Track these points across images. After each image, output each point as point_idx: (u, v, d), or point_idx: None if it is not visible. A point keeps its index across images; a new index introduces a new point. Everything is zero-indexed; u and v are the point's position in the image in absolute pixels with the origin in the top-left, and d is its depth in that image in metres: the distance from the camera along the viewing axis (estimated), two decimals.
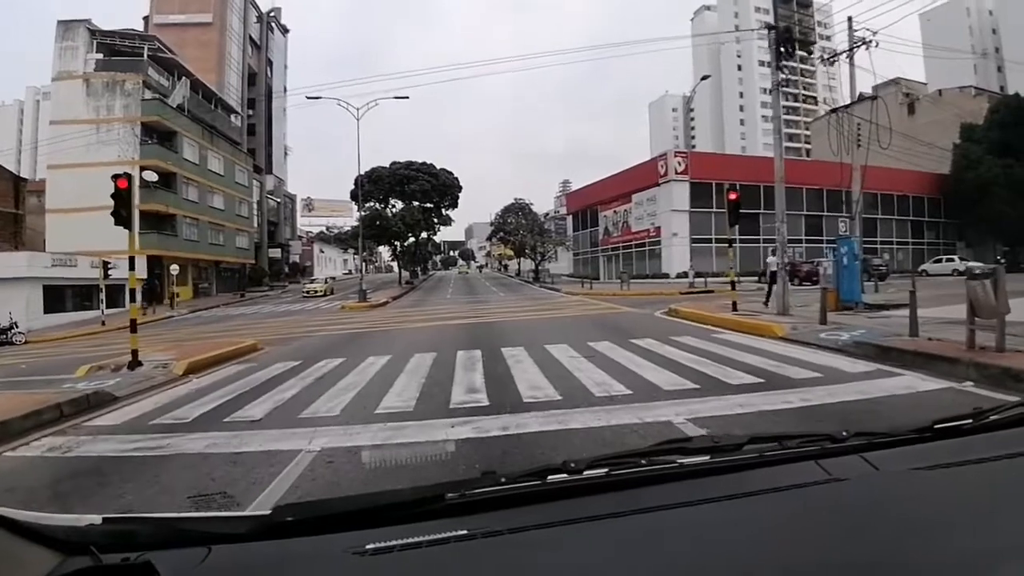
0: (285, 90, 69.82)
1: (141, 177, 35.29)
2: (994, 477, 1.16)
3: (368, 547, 0.95)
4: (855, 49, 16.99)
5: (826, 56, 19.22)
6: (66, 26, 41.75)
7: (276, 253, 64.75)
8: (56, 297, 30.04)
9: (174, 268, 34.51)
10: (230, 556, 0.96)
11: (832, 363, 8.03)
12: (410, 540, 0.96)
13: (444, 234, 74.61)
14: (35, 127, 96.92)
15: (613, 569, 0.92)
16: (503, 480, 1.15)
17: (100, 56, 42.03)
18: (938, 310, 10.88)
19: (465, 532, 0.99)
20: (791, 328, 11.20)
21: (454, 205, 59.54)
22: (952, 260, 38.86)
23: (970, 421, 1.39)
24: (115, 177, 9.97)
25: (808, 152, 73.10)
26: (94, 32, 42.47)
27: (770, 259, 19.51)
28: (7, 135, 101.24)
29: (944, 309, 10.99)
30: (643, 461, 1.22)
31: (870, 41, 16.80)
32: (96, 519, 1.06)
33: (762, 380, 7.10)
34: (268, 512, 1.08)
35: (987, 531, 0.95)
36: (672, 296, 24.58)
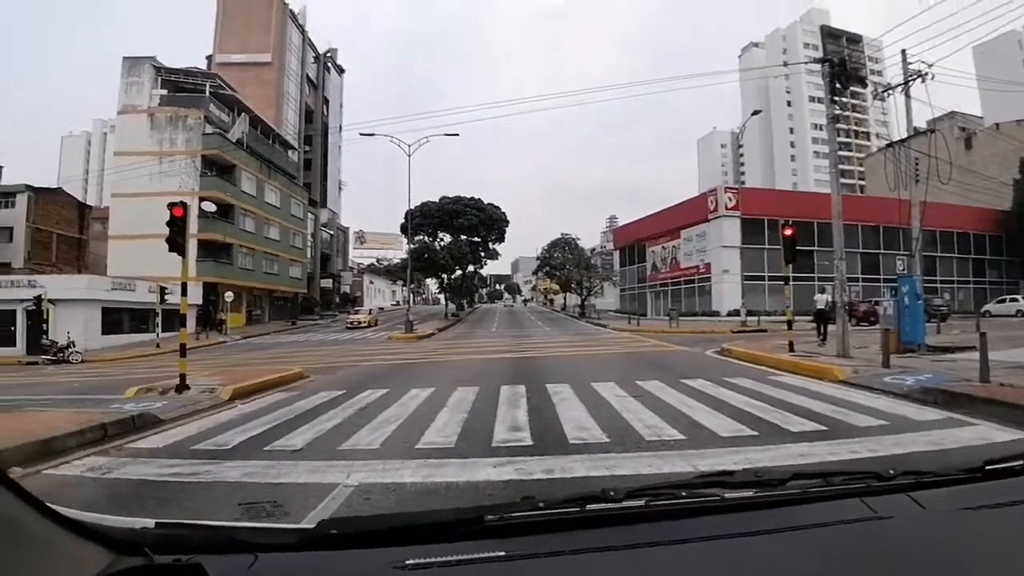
0: (340, 127, 72.28)
1: (200, 207, 36.77)
2: None
3: (408, 562, 0.96)
4: (910, 82, 16.48)
5: (880, 89, 18.71)
6: (132, 62, 44.27)
7: (328, 283, 66.25)
8: (114, 319, 31.23)
9: (228, 295, 35.49)
10: (276, 564, 1.00)
11: (898, 410, 7.52)
12: (449, 558, 0.98)
13: (490, 268, 74.95)
14: (101, 157, 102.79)
15: None
16: (542, 505, 1.15)
17: (164, 92, 44.34)
18: (1007, 353, 10.17)
19: (503, 554, 1.00)
20: (852, 371, 10.62)
21: (501, 239, 59.97)
22: (1016, 300, 36.98)
23: (1022, 462, 1.34)
24: (171, 205, 10.27)
25: (862, 188, 71.23)
26: (159, 69, 44.95)
27: (817, 296, 18.86)
28: (75, 164, 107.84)
29: (1015, 352, 10.28)
30: (684, 493, 1.21)
31: (926, 73, 16.31)
32: (150, 523, 1.13)
33: (824, 428, 6.66)
34: (314, 526, 1.12)
35: None
36: (723, 335, 23.91)
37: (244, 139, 46.67)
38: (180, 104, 42.96)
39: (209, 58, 60.72)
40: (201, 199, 38.25)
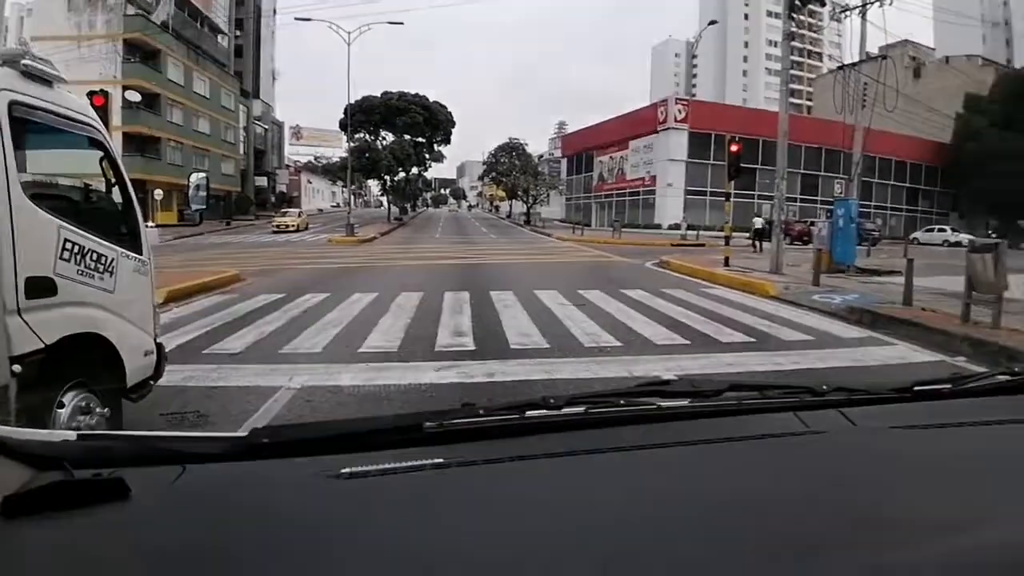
0: (274, 11, 67.11)
1: (124, 97, 34.01)
2: (968, 442, 1.17)
3: (343, 471, 0.94)
4: (868, 5, 16.40)
5: (837, 11, 18.57)
6: None
7: (263, 182, 63.47)
8: None
9: (158, 193, 33.64)
10: (204, 475, 0.96)
11: (825, 327, 7.98)
12: (386, 466, 0.96)
13: (435, 171, 73.17)
14: (18, 44, 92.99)
15: (585, 501, 0.91)
16: (481, 412, 1.15)
17: None
18: (931, 280, 10.80)
19: (441, 460, 0.99)
20: (783, 287, 11.12)
21: (447, 141, 58.20)
22: (944, 230, 38.91)
23: (949, 386, 1.39)
24: (91, 94, 9.41)
25: (809, 109, 72.02)
26: None
27: (755, 219, 19.50)
28: None
29: (937, 280, 10.91)
30: (622, 401, 1.22)
31: None
32: (71, 435, 1.06)
33: (753, 339, 7.03)
34: (244, 434, 1.07)
35: (956, 493, 0.95)
36: (664, 247, 24.44)
37: (170, 22, 42.82)
38: None
39: None
40: (124, 88, 35.24)
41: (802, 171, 43.01)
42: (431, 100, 55.04)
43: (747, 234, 23.99)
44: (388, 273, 14.65)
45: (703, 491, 0.96)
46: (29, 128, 2.88)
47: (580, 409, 1.17)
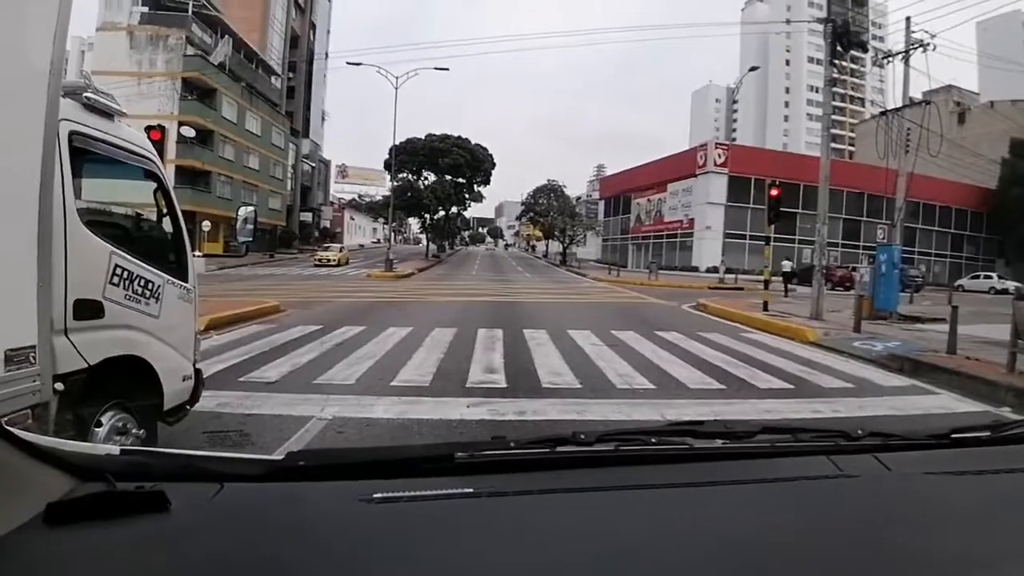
0: (326, 54, 69.57)
1: (179, 132, 35.60)
2: (1006, 489, 1.15)
3: (376, 496, 0.96)
4: (911, 51, 16.29)
5: (880, 56, 18.49)
6: None
7: (307, 217, 65.13)
8: None
9: (206, 224, 34.78)
10: (242, 493, 0.99)
11: (865, 374, 7.74)
12: (416, 493, 0.98)
13: (474, 210, 73.87)
14: (79, 76, 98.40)
15: (613, 537, 0.91)
16: (512, 444, 1.16)
17: (145, 9, 42.23)
18: (976, 328, 10.42)
19: (471, 490, 1.00)
20: (823, 333, 10.85)
21: (486, 181, 59.01)
22: (990, 277, 37.82)
23: (988, 433, 1.38)
24: (148, 128, 9.91)
25: (851, 155, 71.05)
26: None
27: (784, 262, 19.23)
28: None
29: (982, 328, 10.53)
30: (653, 440, 1.22)
31: (927, 44, 16.12)
32: (114, 450, 1.11)
33: (791, 386, 6.85)
34: (281, 457, 1.11)
35: (991, 539, 0.93)
36: (700, 290, 24.11)
37: (227, 62, 44.85)
38: (161, 23, 40.95)
39: None
40: (180, 123, 36.99)
41: (844, 216, 42.30)
42: (473, 142, 56.12)
43: (781, 278, 23.88)
44: (423, 308, 14.78)
45: (734, 531, 0.95)
46: (87, 158, 3.02)
47: (611, 446, 1.17)
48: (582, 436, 1.17)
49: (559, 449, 1.14)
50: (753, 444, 1.25)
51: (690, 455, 1.20)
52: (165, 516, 0.89)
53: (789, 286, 23.93)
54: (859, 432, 1.29)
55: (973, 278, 38.73)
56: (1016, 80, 54.72)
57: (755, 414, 5.53)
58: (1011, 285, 27.56)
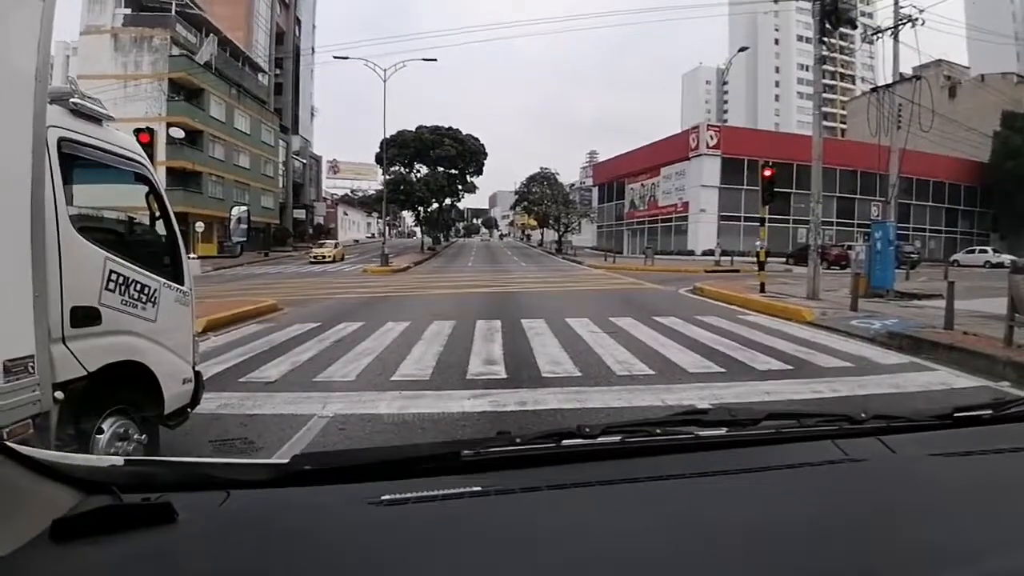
0: (313, 49, 69.10)
1: (168, 134, 35.37)
2: (1009, 468, 1.15)
3: (383, 498, 0.96)
4: (900, 26, 16.24)
5: (869, 32, 18.41)
6: None
7: (301, 214, 64.89)
8: None
9: (199, 225, 34.63)
10: (249, 500, 0.99)
11: (863, 353, 7.77)
12: (424, 493, 0.98)
13: (468, 201, 73.77)
14: (64, 81, 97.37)
15: (622, 531, 0.92)
16: (518, 440, 1.16)
17: (128, 11, 41.85)
18: (972, 303, 10.45)
19: (479, 489, 1.01)
20: (820, 313, 10.88)
21: (479, 172, 58.87)
22: (985, 251, 37.87)
23: (990, 411, 1.38)
24: (137, 131, 9.84)
25: (843, 132, 71.07)
26: None
27: (757, 243, 19.32)
28: None
29: (978, 302, 10.55)
30: (658, 430, 1.23)
31: (916, 18, 16.07)
32: (118, 461, 1.09)
33: (790, 367, 6.87)
34: (287, 461, 1.10)
35: (997, 519, 0.94)
36: (697, 274, 24.19)
37: (212, 61, 44.47)
38: (145, 24, 40.61)
39: None
40: (168, 125, 36.75)
41: (837, 194, 42.26)
42: (464, 133, 55.94)
43: (783, 259, 23.80)
44: (421, 302, 14.78)
45: (743, 520, 0.96)
46: (77, 163, 3.00)
47: (616, 438, 1.17)
48: (587, 429, 1.17)
49: (565, 443, 1.15)
50: (758, 431, 1.26)
51: (696, 444, 1.20)
52: (173, 527, 0.88)
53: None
54: (863, 415, 1.30)
55: (968, 252, 38.80)
56: (1006, 52, 54.76)
57: (755, 396, 5.55)
58: (1006, 258, 27.57)
